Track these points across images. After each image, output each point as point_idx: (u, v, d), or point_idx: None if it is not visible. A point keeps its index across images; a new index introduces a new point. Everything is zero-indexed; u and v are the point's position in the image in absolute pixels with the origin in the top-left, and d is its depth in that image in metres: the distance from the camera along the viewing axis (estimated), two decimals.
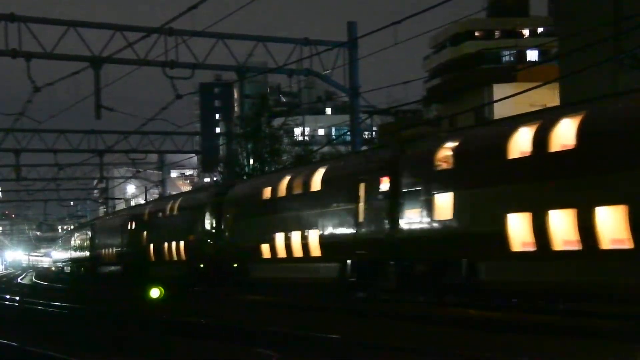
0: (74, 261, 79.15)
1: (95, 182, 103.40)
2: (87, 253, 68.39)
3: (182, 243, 41.51)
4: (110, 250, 56.92)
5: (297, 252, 30.73)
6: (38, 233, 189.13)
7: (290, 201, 31.85)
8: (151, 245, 46.52)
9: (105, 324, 23.73)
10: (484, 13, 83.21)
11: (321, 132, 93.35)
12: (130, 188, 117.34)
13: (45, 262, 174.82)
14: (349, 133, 46.82)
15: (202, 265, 39.24)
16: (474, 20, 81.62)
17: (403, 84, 42.53)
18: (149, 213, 48.86)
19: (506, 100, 32.87)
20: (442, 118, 65.20)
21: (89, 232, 68.38)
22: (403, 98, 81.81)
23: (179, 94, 39.20)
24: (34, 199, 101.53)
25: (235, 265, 36.12)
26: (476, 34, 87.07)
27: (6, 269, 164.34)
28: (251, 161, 59.18)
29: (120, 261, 53.76)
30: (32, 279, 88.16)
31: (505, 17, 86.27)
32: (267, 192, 33.72)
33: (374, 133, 79.02)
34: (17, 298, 39.95)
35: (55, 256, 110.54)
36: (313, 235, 29.78)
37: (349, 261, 27.43)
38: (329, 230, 28.82)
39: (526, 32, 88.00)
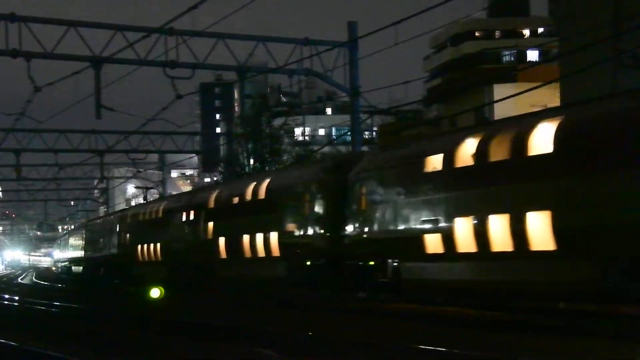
0: (87, 260, 69.41)
1: (95, 182, 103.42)
2: (109, 251, 58.50)
3: (273, 235, 32.67)
4: (148, 246, 47.56)
5: (502, 244, 21.32)
6: (38, 233, 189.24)
7: (486, 172, 22.35)
8: (221, 240, 37.27)
9: (105, 323, 23.72)
10: (485, 13, 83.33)
11: (322, 132, 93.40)
12: (131, 188, 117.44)
13: (45, 262, 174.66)
14: (349, 133, 46.81)
15: (307, 263, 30.55)
16: (475, 20, 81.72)
17: (403, 84, 42.45)
18: (216, 199, 39.04)
19: (507, 100, 32.82)
20: (442, 118, 65.20)
21: (113, 226, 58.32)
22: (403, 98, 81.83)
23: (179, 94, 39.19)
24: (34, 198, 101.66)
25: (371, 263, 27.09)
26: (477, 34, 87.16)
27: (5, 268, 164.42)
28: (251, 161, 59.23)
29: (168, 259, 44.36)
30: (32, 279, 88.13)
31: (505, 17, 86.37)
32: (436, 162, 24.22)
33: (374, 133, 79.06)
34: (17, 298, 39.95)
35: (59, 255, 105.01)
36: (537, 220, 20.34)
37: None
38: (575, 212, 19.41)
39: (527, 32, 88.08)
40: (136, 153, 66.52)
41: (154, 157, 75.65)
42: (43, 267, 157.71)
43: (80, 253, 75.29)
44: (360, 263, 27.45)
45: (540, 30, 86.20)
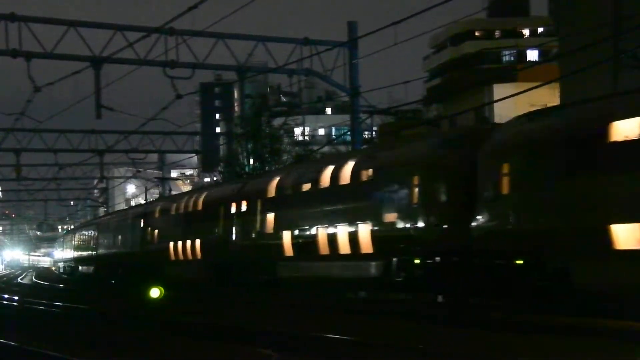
0: (100, 260, 63.81)
1: (95, 181, 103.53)
2: (131, 249, 52.68)
3: (362, 228, 26.98)
4: (184, 243, 41.72)
5: None
6: (38, 233, 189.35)
7: None
8: (285, 235, 31.57)
9: (105, 323, 23.72)
10: (484, 13, 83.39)
11: (321, 132, 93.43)
12: (131, 188, 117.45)
13: (45, 262, 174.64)
14: (349, 133, 46.81)
15: (416, 261, 24.83)
16: (475, 20, 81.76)
17: (403, 84, 42.49)
18: (279, 188, 33.20)
19: (506, 100, 32.82)
20: (442, 118, 65.15)
21: (136, 222, 51.96)
22: (403, 98, 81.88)
23: (179, 93, 39.23)
24: (34, 198, 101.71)
25: (518, 261, 21.25)
26: (476, 33, 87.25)
27: (5, 268, 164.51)
28: (251, 161, 59.27)
29: (213, 257, 38.97)
30: (32, 279, 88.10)
31: (505, 17, 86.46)
32: (631, 129, 17.97)
33: (374, 133, 79.10)
34: (17, 298, 39.93)
35: (60, 255, 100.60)
36: None
37: None
38: None
39: (526, 32, 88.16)
40: (136, 153, 66.60)
41: (154, 157, 75.73)
42: (43, 267, 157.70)
43: (89, 252, 70.90)
44: (500, 261, 21.79)
45: (540, 30, 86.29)
